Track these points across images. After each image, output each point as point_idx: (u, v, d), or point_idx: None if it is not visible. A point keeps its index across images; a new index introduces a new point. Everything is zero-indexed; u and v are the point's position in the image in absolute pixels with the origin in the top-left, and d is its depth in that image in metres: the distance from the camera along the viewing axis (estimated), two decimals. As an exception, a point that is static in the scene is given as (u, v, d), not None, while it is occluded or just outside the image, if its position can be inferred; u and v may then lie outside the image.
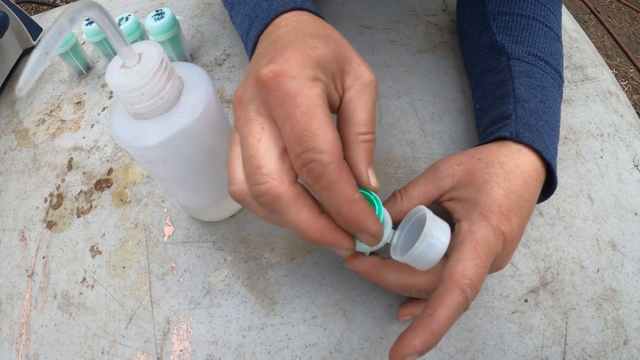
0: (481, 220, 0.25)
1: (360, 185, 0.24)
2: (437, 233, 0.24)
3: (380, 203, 0.25)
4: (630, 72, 1.50)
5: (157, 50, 0.22)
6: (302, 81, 0.21)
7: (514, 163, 0.27)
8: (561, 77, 0.34)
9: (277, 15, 0.27)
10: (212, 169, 0.28)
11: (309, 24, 0.25)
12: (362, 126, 0.23)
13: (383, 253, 0.28)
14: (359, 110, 0.23)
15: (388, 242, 0.26)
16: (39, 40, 0.17)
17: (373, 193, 0.26)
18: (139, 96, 0.22)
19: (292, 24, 0.26)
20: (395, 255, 0.26)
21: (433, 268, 0.26)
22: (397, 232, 0.26)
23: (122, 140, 0.24)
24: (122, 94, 0.22)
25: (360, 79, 0.24)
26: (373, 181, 0.24)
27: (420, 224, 0.25)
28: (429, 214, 0.25)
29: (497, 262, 0.26)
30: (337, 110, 0.24)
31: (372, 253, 0.28)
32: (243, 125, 0.22)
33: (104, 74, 0.47)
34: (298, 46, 0.22)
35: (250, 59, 0.30)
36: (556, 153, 0.30)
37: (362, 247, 0.25)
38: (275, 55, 0.22)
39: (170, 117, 0.23)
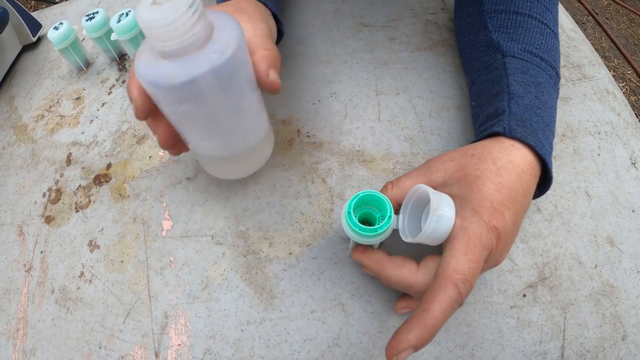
0: (473, 216, 0.25)
1: (262, 84, 0.27)
2: (443, 207, 0.24)
3: (388, 200, 0.26)
4: (628, 73, 1.51)
5: None
6: None
7: (507, 158, 0.27)
8: (557, 74, 0.34)
9: None
10: (237, 115, 0.28)
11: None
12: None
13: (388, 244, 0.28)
14: (264, 52, 0.28)
15: (394, 227, 0.26)
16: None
17: (381, 194, 0.26)
18: (172, 31, 0.21)
19: None
20: (405, 237, 0.26)
21: (431, 270, 0.26)
22: (400, 215, 0.27)
23: (149, 81, 0.23)
24: (154, 30, 0.21)
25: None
26: (272, 75, 0.27)
27: (422, 201, 0.26)
28: (430, 189, 0.25)
29: (493, 257, 0.26)
30: None
31: (380, 245, 0.28)
32: None
33: (104, 69, 0.48)
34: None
35: None
36: (551, 148, 0.30)
37: (371, 240, 0.26)
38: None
39: (203, 55, 0.23)
